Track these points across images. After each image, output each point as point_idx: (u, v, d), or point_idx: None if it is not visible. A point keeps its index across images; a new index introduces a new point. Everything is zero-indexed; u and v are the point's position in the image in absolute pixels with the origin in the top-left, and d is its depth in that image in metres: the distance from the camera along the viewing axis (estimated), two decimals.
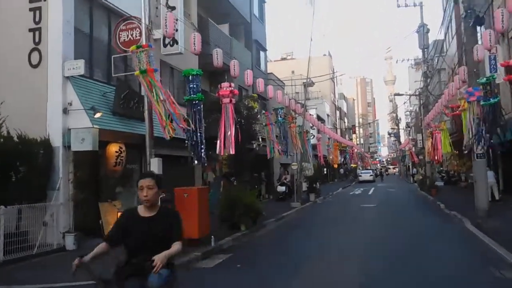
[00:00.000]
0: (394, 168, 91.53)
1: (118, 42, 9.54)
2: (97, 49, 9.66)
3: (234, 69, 11.24)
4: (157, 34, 12.04)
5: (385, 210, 17.07)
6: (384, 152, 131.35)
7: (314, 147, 31.25)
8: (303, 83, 41.22)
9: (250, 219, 11.39)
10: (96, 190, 9.18)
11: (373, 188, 33.09)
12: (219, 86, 10.67)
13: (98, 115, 8.23)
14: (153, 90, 7.13)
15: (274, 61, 53.68)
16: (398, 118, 61.83)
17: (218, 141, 10.64)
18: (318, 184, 24.15)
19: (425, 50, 26.28)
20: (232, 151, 10.68)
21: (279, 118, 16.16)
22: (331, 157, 34.83)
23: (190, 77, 8.84)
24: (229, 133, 10.57)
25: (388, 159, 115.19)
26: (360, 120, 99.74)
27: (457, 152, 28.07)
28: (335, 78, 61.81)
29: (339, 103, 65.58)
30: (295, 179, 20.81)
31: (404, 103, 69.44)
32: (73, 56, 8.63)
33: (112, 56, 8.68)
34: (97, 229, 8.76)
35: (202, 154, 9.76)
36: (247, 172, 15.85)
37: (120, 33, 9.72)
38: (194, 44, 9.72)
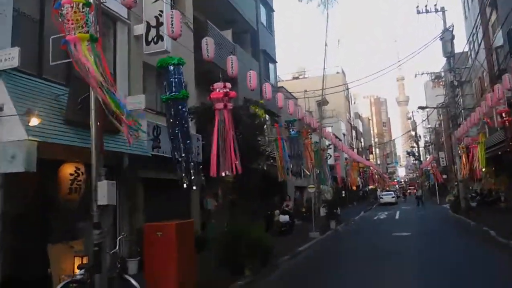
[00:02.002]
0: (414, 189, 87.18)
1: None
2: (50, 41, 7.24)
3: (232, 67, 8.87)
4: (138, 29, 9.88)
5: (424, 240, 14.07)
6: (401, 172, 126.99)
7: (332, 167, 28.53)
8: (317, 101, 39.10)
9: (258, 260, 8.73)
10: (42, 228, 6.70)
11: (398, 212, 29.91)
12: (211, 87, 8.28)
13: (33, 120, 5.79)
14: (100, 69, 4.67)
15: (285, 81, 51.75)
16: (418, 136, 58.62)
17: (211, 159, 8.21)
18: (339, 209, 21.29)
19: (451, 58, 23.63)
20: (235, 170, 8.22)
21: (292, 132, 13.64)
22: (349, 178, 31.90)
23: (170, 68, 6.48)
24: (227, 148, 8.14)
25: (406, 180, 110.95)
26: (376, 140, 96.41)
27: (494, 168, 24.96)
28: (349, 96, 59.42)
29: (354, 122, 62.88)
30: (313, 203, 18.06)
31: (423, 121, 66.55)
32: (9, 46, 6.35)
33: (51, 37, 6.36)
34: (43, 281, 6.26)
35: (192, 176, 7.36)
36: (254, 198, 13.28)
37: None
38: (207, 50, 7.61)
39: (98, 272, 4.62)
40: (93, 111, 5.01)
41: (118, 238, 5.92)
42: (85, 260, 5.76)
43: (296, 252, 12.06)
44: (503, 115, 13.28)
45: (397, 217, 25.87)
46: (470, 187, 28.56)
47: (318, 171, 17.21)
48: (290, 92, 25.78)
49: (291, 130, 13.72)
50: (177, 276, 5.82)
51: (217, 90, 8.17)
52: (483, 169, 19.20)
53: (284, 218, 16.39)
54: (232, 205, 13.27)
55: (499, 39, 20.88)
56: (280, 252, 10.91)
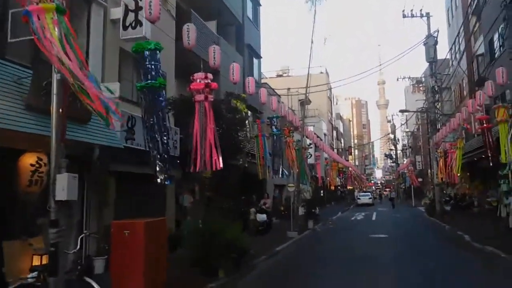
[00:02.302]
0: (390, 191, 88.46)
1: None
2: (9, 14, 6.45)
3: (215, 58, 8.41)
4: (116, 13, 9.30)
5: (400, 243, 14.02)
6: (378, 174, 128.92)
7: (312, 167, 28.40)
8: (300, 100, 38.95)
9: (232, 261, 8.35)
10: None
11: (375, 213, 30.05)
12: (191, 77, 7.82)
13: None
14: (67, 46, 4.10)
15: (269, 78, 51.39)
16: (396, 139, 59.40)
17: (193, 153, 7.77)
18: (317, 208, 21.13)
19: (434, 63, 23.77)
20: (215, 166, 7.79)
21: (274, 129, 13.27)
22: (328, 178, 31.88)
23: (145, 53, 5.99)
24: (207, 142, 7.72)
25: (383, 182, 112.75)
26: (356, 141, 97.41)
27: (468, 174, 25.37)
28: (332, 97, 59.63)
29: (335, 123, 63.20)
30: (292, 202, 17.81)
31: (402, 125, 67.51)
32: None
33: (10, 11, 5.72)
34: None
35: (168, 170, 6.92)
36: (232, 195, 12.87)
37: None
38: (188, 37, 7.17)
39: (53, 275, 4.12)
40: (55, 95, 4.47)
41: (80, 237, 5.42)
42: (44, 260, 5.22)
43: (274, 252, 11.75)
44: (483, 121, 13.30)
45: (374, 218, 25.95)
46: (445, 191, 28.99)
47: (298, 170, 16.89)
48: (273, 89, 25.41)
49: (273, 127, 13.34)
50: (144, 277, 5.38)
51: (198, 80, 7.71)
52: (458, 174, 19.36)
53: (262, 217, 15.69)
54: (209, 201, 12.84)
55: (481, 48, 21.12)
56: (257, 252, 10.57)
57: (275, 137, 13.55)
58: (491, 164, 14.08)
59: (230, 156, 9.98)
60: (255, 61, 21.61)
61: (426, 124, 40.76)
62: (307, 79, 18.77)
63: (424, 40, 24.01)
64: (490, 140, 13.03)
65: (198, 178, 12.26)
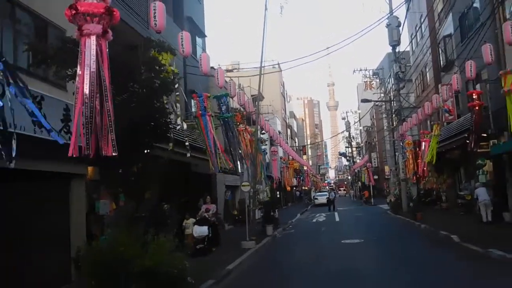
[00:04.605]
0: (344, 190, 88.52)
1: None
2: None
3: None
4: None
5: (382, 250, 11.43)
6: (331, 174, 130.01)
7: (267, 165, 25.59)
8: (252, 95, 36.21)
9: None
10: None
11: (336, 213, 27.86)
12: None
13: None
14: None
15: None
16: (351, 136, 58.56)
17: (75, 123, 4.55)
18: (277, 212, 18.31)
19: (397, 46, 21.88)
20: (108, 150, 4.64)
21: (223, 110, 10.15)
22: (285, 177, 29.25)
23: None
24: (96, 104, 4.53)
25: (336, 181, 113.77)
26: (309, 141, 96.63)
27: (435, 167, 23.77)
28: (285, 94, 57.64)
29: (289, 121, 61.24)
30: (247, 205, 14.81)
31: (355, 123, 67.12)
32: None
33: None
34: None
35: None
36: (165, 197, 9.60)
37: None
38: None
39: None
40: None
41: None
42: None
43: (224, 273, 8.65)
44: (474, 96, 11.11)
45: (337, 219, 23.58)
46: (409, 187, 27.40)
47: (258, 166, 13.88)
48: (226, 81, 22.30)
49: (222, 108, 10.19)
50: None
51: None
52: (432, 164, 17.41)
53: (201, 230, 11.03)
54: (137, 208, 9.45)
55: (447, 27, 19.44)
56: (199, 276, 7.45)
57: (224, 121, 10.43)
58: (475, 150, 11.95)
59: (150, 139, 6.74)
60: (198, 40, 18.39)
61: (382, 119, 39.73)
62: (260, 64, 15.87)
63: (385, 18, 22.03)
64: (479, 121, 10.88)
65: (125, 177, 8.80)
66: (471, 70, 10.42)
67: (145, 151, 7.20)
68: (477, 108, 10.91)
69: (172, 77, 6.58)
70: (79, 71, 4.60)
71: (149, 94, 6.00)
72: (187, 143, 8.33)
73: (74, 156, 4.44)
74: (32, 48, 6.54)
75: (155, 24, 6.47)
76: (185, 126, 7.73)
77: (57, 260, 8.19)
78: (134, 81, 5.87)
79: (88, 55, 4.60)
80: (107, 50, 4.69)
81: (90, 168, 9.94)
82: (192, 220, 11.22)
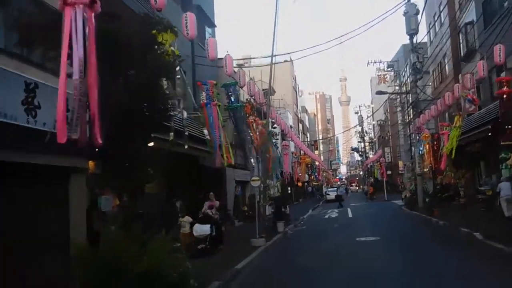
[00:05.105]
0: (356, 186, 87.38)
1: None
2: None
3: None
4: None
5: (402, 249, 10.61)
6: (343, 169, 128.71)
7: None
8: (264, 89, 35.51)
9: None
10: None
11: (349, 209, 27.08)
12: None
13: None
14: None
15: None
16: (364, 131, 57.48)
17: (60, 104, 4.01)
18: (288, 207, 17.69)
19: (415, 35, 20.95)
20: (97, 138, 4.09)
21: (232, 100, 9.49)
22: (299, 173, 28.54)
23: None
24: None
25: (347, 177, 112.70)
26: (321, 136, 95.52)
27: (453, 161, 22.79)
28: (297, 88, 56.81)
29: (301, 116, 60.39)
30: (257, 200, 14.23)
31: (368, 117, 65.89)
32: None
33: None
34: None
35: None
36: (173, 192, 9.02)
37: None
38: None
39: None
40: None
41: None
42: None
43: (232, 274, 8.08)
44: (503, 83, 10.24)
45: (350, 215, 22.86)
46: (425, 182, 26.47)
47: (269, 160, 13.20)
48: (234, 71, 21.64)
49: (231, 97, 9.54)
50: None
51: None
52: (452, 158, 16.52)
53: (203, 229, 10.13)
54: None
55: (469, 14, 18.45)
56: (205, 277, 6.90)
57: (235, 112, 9.78)
58: (503, 142, 11.09)
59: (149, 129, 6.15)
60: (208, 30, 17.77)
61: (397, 112, 38.66)
62: (272, 52, 15.14)
63: (402, 5, 21.04)
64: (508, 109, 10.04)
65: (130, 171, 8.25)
66: (500, 55, 9.61)
67: (145, 142, 6.63)
68: (505, 96, 10.07)
69: (173, 59, 5.97)
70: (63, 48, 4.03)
71: (147, 77, 5.39)
72: (186, 133, 7.73)
73: (61, 143, 3.89)
74: (18, 26, 5.97)
75: (155, 1, 5.88)
76: (185, 114, 7.13)
77: (55, 259, 7.71)
78: (129, 62, 5.28)
79: (73, 29, 4.02)
80: (94, 24, 4.11)
81: (92, 162, 9.45)
82: (188, 218, 10.51)
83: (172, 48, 6.03)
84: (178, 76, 6.52)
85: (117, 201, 9.90)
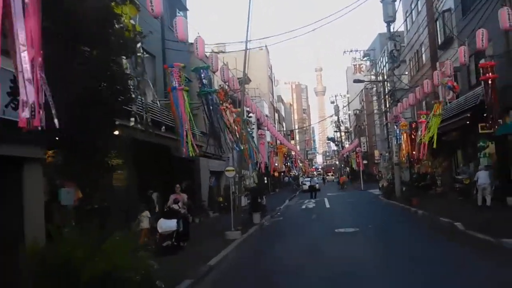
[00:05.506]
0: (332, 175, 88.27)
1: None
2: None
3: None
4: None
5: (383, 240, 10.30)
6: (319, 159, 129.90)
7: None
8: (238, 78, 34.75)
9: None
10: None
11: (326, 199, 26.88)
12: None
13: None
14: None
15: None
16: (340, 120, 57.71)
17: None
18: (264, 198, 17.20)
19: (393, 22, 20.69)
20: (35, 122, 3.33)
21: (204, 83, 8.79)
22: (275, 163, 28.11)
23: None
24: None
25: (323, 166, 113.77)
26: (297, 126, 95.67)
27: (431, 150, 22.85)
28: (273, 77, 56.23)
29: (277, 105, 59.96)
30: (231, 191, 13.66)
31: (344, 107, 66.28)
32: None
33: None
34: None
35: None
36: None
37: None
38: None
39: None
40: None
41: None
42: None
43: (205, 270, 7.49)
44: (486, 69, 9.99)
45: (327, 205, 22.63)
46: (402, 171, 26.57)
47: (245, 148, 12.62)
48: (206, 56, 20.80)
49: (203, 81, 8.83)
50: None
51: None
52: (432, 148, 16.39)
53: (168, 225, 9.11)
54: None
55: (447, 1, 18.26)
56: (173, 276, 6.28)
57: (206, 96, 9.09)
58: (494, 128, 10.87)
59: (110, 114, 5.41)
60: (180, 14, 16.83)
61: (373, 102, 38.80)
62: (246, 37, 14.42)
63: None
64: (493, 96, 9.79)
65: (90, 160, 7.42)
66: (482, 40, 9.32)
67: (107, 129, 5.89)
68: (490, 81, 9.82)
69: (134, 35, 5.23)
70: None
71: (105, 54, 4.64)
72: (148, 118, 6.96)
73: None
74: None
75: None
76: (149, 98, 6.40)
77: (6, 257, 6.92)
78: (82, 37, 4.51)
79: None
80: None
81: (50, 151, 8.61)
82: (147, 213, 9.76)
83: (132, 21, 5.28)
84: (139, 54, 5.78)
85: (79, 194, 9.11)
